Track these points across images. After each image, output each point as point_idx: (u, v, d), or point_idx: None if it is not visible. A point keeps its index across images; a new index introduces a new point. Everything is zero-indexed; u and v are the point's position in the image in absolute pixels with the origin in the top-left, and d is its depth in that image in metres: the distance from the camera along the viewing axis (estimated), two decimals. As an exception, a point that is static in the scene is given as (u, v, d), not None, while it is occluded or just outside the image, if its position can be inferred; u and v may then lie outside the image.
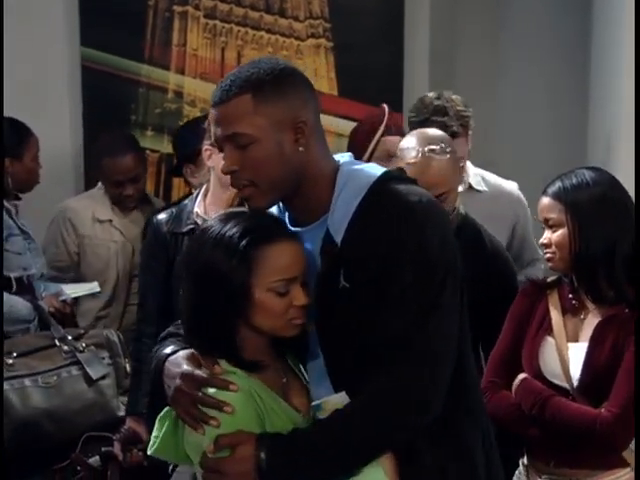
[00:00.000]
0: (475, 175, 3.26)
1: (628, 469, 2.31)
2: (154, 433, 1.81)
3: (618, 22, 3.58)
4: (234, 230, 1.73)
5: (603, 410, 2.25)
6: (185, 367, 1.76)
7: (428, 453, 1.75)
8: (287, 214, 1.86)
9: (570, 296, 2.40)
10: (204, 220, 2.81)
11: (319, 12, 4.30)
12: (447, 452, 1.77)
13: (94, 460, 2.91)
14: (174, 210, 2.92)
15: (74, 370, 3.11)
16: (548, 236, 2.39)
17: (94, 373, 3.10)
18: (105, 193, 3.86)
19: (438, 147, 2.60)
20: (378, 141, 3.45)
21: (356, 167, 1.83)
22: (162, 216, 2.91)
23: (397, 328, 1.70)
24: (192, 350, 1.79)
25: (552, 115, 4.33)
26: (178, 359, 1.78)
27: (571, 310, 2.39)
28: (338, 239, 1.75)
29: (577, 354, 2.33)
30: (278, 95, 1.73)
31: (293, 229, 1.82)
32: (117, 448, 2.85)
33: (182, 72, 4.29)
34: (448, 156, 2.60)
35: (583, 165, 4.12)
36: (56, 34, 4.16)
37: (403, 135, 3.69)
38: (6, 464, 2.84)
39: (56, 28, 4.16)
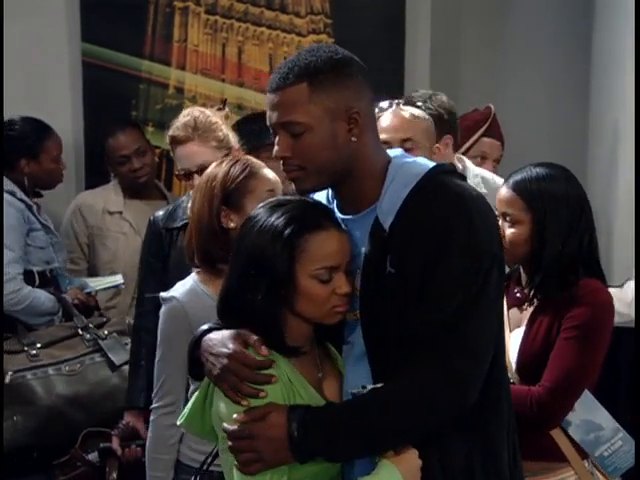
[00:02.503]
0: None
1: (572, 472, 2.31)
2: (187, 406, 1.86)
3: (619, 22, 3.58)
4: (280, 219, 1.76)
5: (535, 387, 2.26)
6: (232, 346, 1.76)
7: (454, 438, 1.77)
8: (335, 202, 1.87)
9: (515, 290, 2.41)
10: None
11: (320, 8, 4.30)
12: (472, 438, 1.78)
13: (93, 456, 2.92)
14: (170, 207, 2.97)
15: (97, 357, 3.20)
16: (502, 228, 2.36)
17: (117, 359, 3.18)
18: (118, 185, 3.90)
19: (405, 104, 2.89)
20: (477, 140, 3.43)
21: (408, 160, 1.84)
22: (159, 213, 2.96)
23: (443, 315, 1.71)
24: (238, 330, 1.79)
25: (553, 114, 4.33)
26: (225, 339, 1.79)
27: (515, 303, 2.41)
28: (386, 225, 1.76)
29: (515, 340, 2.35)
30: (334, 85, 1.75)
31: (342, 216, 1.84)
32: (115, 443, 2.86)
33: (183, 68, 4.29)
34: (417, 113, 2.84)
35: (584, 164, 4.16)
36: (57, 30, 4.16)
37: (502, 142, 3.69)
38: (5, 461, 2.87)
39: (57, 24, 4.16)
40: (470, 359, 1.72)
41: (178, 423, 1.88)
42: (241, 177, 2.34)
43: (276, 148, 1.80)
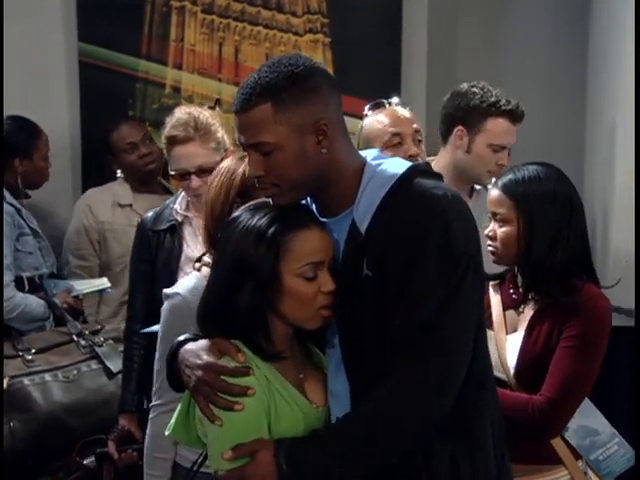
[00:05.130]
0: None
1: (565, 472, 2.32)
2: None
3: (617, 21, 3.57)
4: (262, 219, 1.77)
5: (536, 395, 2.25)
6: (206, 358, 1.77)
7: (437, 439, 1.76)
8: (314, 205, 1.88)
9: (511, 290, 2.41)
10: (184, 217, 2.85)
11: (317, 7, 4.29)
12: (456, 439, 1.79)
13: (89, 461, 2.92)
14: (158, 208, 2.96)
15: (94, 364, 3.20)
16: (494, 229, 2.37)
17: (114, 366, 3.16)
18: (124, 182, 3.92)
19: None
20: None
21: (383, 161, 1.84)
22: (148, 215, 2.96)
23: (420, 315, 1.71)
24: (211, 340, 1.80)
25: (551, 113, 4.32)
26: (198, 351, 1.80)
27: (512, 304, 2.40)
28: (363, 228, 1.77)
29: (514, 344, 2.34)
30: (298, 101, 1.74)
31: (321, 219, 1.84)
32: (112, 448, 2.85)
33: (180, 67, 4.29)
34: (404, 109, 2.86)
35: (581, 163, 4.15)
36: (54, 29, 4.16)
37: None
38: (4, 465, 2.87)
39: (54, 23, 4.16)
40: (447, 356, 1.72)
41: (167, 433, 1.88)
42: None
43: (248, 168, 1.82)
